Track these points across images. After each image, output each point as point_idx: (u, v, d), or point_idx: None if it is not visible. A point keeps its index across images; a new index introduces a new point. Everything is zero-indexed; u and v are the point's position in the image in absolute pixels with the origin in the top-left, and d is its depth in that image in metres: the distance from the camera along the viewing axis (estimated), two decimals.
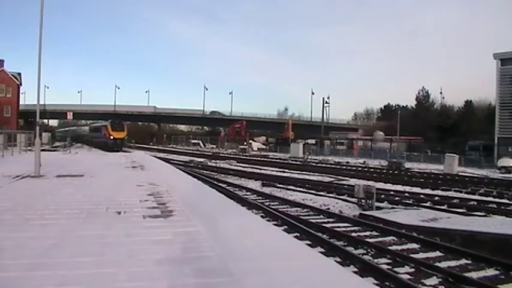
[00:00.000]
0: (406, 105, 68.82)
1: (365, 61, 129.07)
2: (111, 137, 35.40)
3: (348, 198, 13.07)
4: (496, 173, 26.64)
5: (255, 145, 59.39)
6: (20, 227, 4.55)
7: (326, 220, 10.08)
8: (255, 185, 17.00)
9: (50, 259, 3.39)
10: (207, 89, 62.41)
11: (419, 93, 65.34)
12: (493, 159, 33.71)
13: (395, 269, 6.33)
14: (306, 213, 10.96)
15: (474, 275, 6.16)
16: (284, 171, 23.85)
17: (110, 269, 3.17)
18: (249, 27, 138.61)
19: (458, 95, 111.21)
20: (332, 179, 19.98)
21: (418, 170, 26.93)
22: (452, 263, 6.74)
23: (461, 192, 16.15)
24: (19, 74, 52.02)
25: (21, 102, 53.47)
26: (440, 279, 5.91)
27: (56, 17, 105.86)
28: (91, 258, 3.43)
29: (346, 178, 20.48)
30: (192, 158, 32.62)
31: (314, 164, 30.51)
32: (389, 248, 7.51)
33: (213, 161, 31.50)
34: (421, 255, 7.10)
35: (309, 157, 38.95)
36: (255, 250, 3.76)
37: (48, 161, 12.63)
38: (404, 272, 6.23)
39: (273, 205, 11.98)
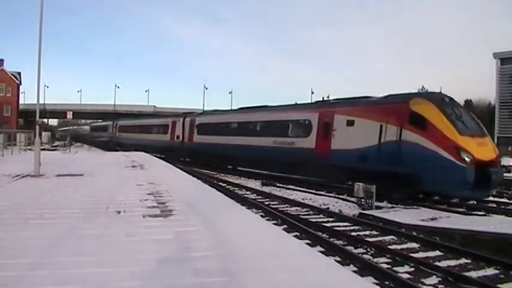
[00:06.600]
0: None
1: (365, 60, 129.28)
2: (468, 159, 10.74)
3: (348, 198, 13.05)
4: None
5: None
6: (20, 226, 4.55)
7: (326, 219, 10.08)
8: (254, 184, 16.97)
9: (49, 258, 3.39)
10: (206, 89, 62.25)
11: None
12: None
13: (395, 269, 6.32)
14: (306, 213, 10.95)
15: (474, 274, 6.16)
16: None
17: (109, 268, 3.17)
18: (249, 27, 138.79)
19: (458, 94, 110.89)
20: None
21: None
22: (452, 263, 6.74)
23: None
24: (19, 73, 51.98)
25: (20, 102, 53.42)
26: (440, 279, 5.91)
27: (56, 17, 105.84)
28: (91, 257, 3.43)
29: None
30: None
31: None
32: (389, 247, 7.51)
33: None
34: (420, 255, 7.10)
35: None
36: (255, 249, 3.76)
37: (48, 160, 12.61)
38: (404, 272, 6.22)
39: (273, 204, 11.97)
